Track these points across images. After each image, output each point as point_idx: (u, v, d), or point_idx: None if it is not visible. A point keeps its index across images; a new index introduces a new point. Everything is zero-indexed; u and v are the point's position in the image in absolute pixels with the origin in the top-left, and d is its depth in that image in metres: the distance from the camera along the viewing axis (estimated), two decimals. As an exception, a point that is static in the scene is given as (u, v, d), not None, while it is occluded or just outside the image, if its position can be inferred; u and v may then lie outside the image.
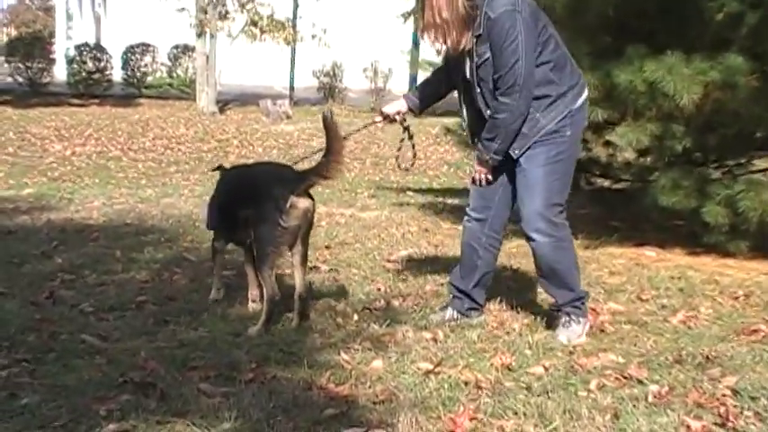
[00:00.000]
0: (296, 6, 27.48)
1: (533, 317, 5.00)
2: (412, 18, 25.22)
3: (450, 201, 10.07)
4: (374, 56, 27.07)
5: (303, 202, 4.74)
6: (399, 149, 5.49)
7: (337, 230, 7.98)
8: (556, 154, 4.58)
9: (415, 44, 26.62)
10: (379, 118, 5.21)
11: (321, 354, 4.30)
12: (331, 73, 27.68)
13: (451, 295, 5.05)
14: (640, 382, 3.99)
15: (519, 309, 5.16)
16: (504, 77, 4.44)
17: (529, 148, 4.57)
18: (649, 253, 7.02)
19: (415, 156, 5.52)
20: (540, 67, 4.48)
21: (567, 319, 4.71)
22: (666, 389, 3.87)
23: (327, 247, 7.11)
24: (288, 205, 4.64)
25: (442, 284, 5.75)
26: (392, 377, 3.97)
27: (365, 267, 6.37)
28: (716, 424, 3.51)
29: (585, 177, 8.34)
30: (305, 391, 3.75)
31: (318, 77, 27.70)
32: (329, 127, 4.68)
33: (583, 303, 4.77)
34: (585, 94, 4.71)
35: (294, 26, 26.04)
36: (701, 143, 7.29)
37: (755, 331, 4.79)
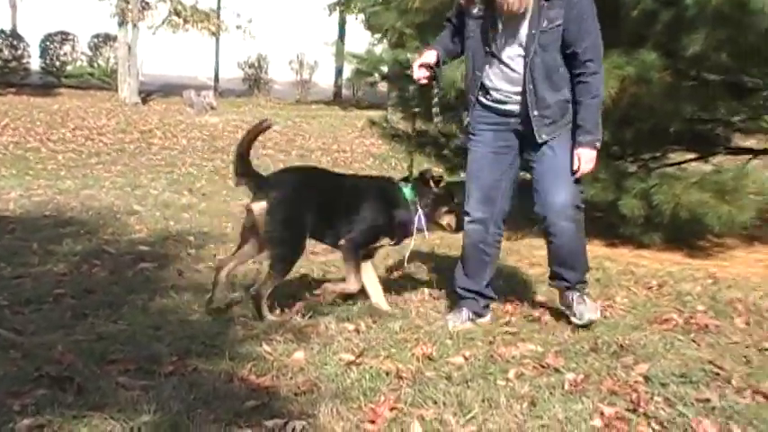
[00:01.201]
0: (220, -4, 27.23)
1: (454, 307, 5.06)
2: (338, 10, 25.27)
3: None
4: (300, 48, 27.02)
5: None
6: (435, 104, 5.08)
7: (261, 223, 7.94)
8: (572, 140, 4.63)
9: (341, 36, 26.64)
10: (420, 72, 4.81)
11: (243, 346, 4.29)
12: (256, 64, 27.57)
13: (463, 298, 4.92)
14: (557, 370, 4.08)
15: (440, 299, 5.22)
16: (594, 46, 4.45)
17: (555, 135, 4.59)
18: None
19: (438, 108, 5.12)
20: None
21: (579, 295, 4.80)
22: (582, 377, 3.96)
23: (251, 240, 7.08)
24: None
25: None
26: (314, 368, 3.99)
27: (289, 259, 6.35)
28: (628, 410, 3.61)
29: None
30: (226, 383, 3.74)
31: (244, 69, 27.53)
32: None
33: (587, 275, 4.99)
34: None
35: (218, 16, 25.76)
36: (618, 137, 7.44)
37: (667, 320, 4.94)
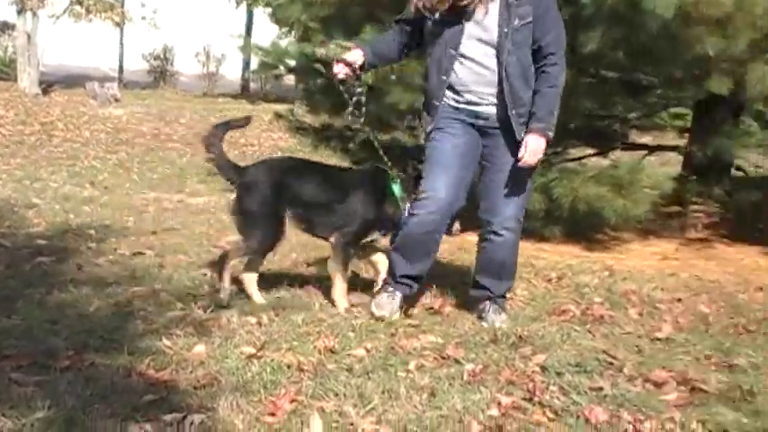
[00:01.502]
0: (125, -14, 26.69)
1: (357, 300, 5.09)
2: (245, 2, 25.06)
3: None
4: (207, 40, 26.70)
5: None
6: (353, 104, 4.85)
7: (165, 216, 7.87)
8: None
9: (249, 29, 26.43)
10: (338, 68, 4.76)
11: (142, 340, 4.23)
12: (162, 56, 27.13)
13: (400, 284, 4.87)
14: (457, 361, 4.14)
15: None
16: (558, 39, 4.49)
17: (514, 138, 4.57)
18: (471, 238, 7.23)
19: (363, 109, 4.89)
20: None
21: (496, 306, 4.85)
22: (481, 367, 4.03)
23: (154, 233, 7.02)
24: None
25: (269, 269, 5.77)
26: (215, 362, 3.96)
27: (192, 253, 6.31)
28: (524, 399, 3.69)
29: (412, 165, 8.50)
30: (124, 378, 3.69)
31: (149, 60, 27.07)
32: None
33: (508, 292, 5.03)
34: None
35: (123, 6, 25.24)
36: (520, 132, 7.56)
37: (565, 311, 5.07)
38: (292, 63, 10.40)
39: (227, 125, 5.13)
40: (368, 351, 4.23)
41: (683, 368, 4.12)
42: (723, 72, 6.34)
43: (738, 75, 6.17)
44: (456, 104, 4.66)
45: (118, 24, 24.63)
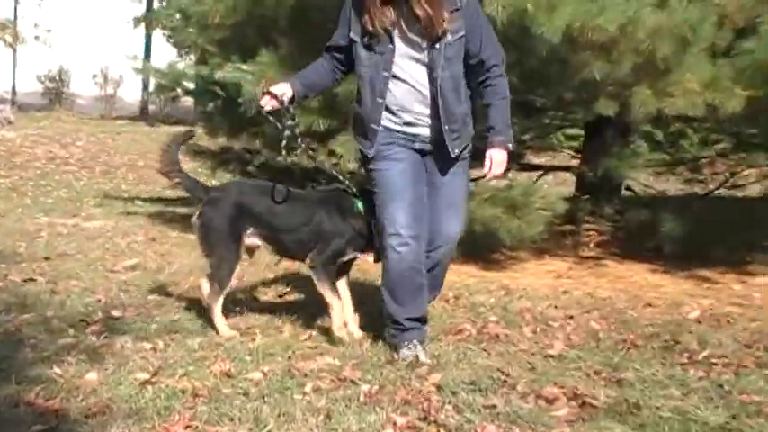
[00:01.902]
0: (16, 6, 26.06)
1: (256, 321, 5.11)
2: (143, 23, 24.76)
3: (179, 210, 9.96)
4: (104, 62, 26.23)
5: None
6: (284, 137, 4.80)
7: (59, 241, 7.70)
8: (468, 172, 4.74)
9: (147, 50, 26.11)
10: (265, 100, 4.70)
11: (32, 368, 4.12)
12: (57, 78, 26.54)
13: (408, 330, 4.65)
14: (354, 382, 4.15)
15: (241, 315, 5.22)
16: (495, 53, 4.50)
17: (458, 159, 4.60)
18: (369, 259, 7.27)
19: (299, 140, 4.91)
20: None
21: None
22: (377, 388, 4.05)
23: (47, 259, 6.86)
24: None
25: (167, 294, 5.72)
26: (107, 389, 3.88)
27: (86, 279, 6.19)
28: (419, 418, 3.71)
29: (313, 187, 8.53)
30: (11, 408, 3.59)
31: (43, 82, 26.45)
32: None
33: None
34: None
35: (15, 26, 24.64)
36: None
37: (461, 330, 5.13)
38: (190, 85, 10.36)
39: (178, 142, 5.07)
40: (264, 374, 4.21)
41: (574, 384, 4.21)
42: (609, 95, 6.56)
43: (624, 97, 6.39)
44: (394, 126, 4.58)
45: (11, 45, 24.02)
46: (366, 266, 5.95)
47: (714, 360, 4.67)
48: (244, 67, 8.54)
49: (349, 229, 4.92)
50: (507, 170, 4.71)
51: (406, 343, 4.60)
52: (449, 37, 4.41)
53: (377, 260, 4.88)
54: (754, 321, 5.63)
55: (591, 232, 8.36)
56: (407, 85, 4.53)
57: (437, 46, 4.41)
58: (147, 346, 4.57)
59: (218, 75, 8.05)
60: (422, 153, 4.67)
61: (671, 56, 6.07)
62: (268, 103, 4.70)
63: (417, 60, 4.50)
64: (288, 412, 3.71)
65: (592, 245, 8.12)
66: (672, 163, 9.94)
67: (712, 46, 6.46)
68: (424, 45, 4.45)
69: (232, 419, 3.63)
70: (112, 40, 26.80)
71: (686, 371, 4.48)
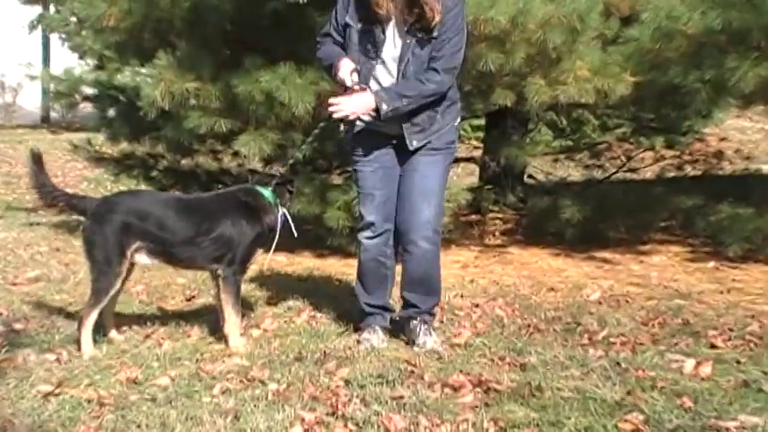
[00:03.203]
0: None
1: (162, 328, 5.09)
2: (40, 28, 24.16)
3: (82, 218, 9.75)
4: (0, 69, 25.48)
5: None
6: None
7: (-44, 256, 7.50)
8: (448, 164, 4.73)
9: (46, 56, 25.50)
10: (354, 76, 4.61)
11: (-71, 388, 4.04)
12: (-50, 87, 25.70)
13: (371, 314, 4.95)
14: (262, 382, 4.17)
15: (148, 322, 5.19)
16: (450, 58, 4.47)
17: (427, 149, 4.63)
18: (280, 258, 7.30)
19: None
20: None
21: (426, 326, 4.83)
22: (285, 386, 4.08)
23: (-56, 274, 6.68)
24: None
25: (71, 303, 5.65)
26: (9, 404, 3.83)
27: (-14, 293, 6.05)
28: (327, 414, 3.75)
29: (217, 188, 8.49)
30: None
31: (-64, 92, 25.60)
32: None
33: (436, 308, 5.00)
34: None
35: None
36: (321, 150, 7.70)
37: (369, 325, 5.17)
38: (90, 91, 10.18)
39: (37, 167, 4.83)
40: (172, 379, 4.21)
41: (479, 371, 4.30)
42: (506, 85, 6.69)
43: (520, 87, 6.53)
44: (368, 118, 4.65)
45: None
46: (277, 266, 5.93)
47: (612, 339, 4.84)
48: (143, 70, 8.47)
49: (261, 228, 4.88)
50: (356, 118, 4.63)
51: (368, 327, 4.93)
52: (420, 35, 4.49)
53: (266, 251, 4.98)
54: (650, 300, 5.83)
55: (496, 221, 8.51)
56: (387, 75, 4.63)
57: (407, 41, 4.51)
58: (51, 357, 4.52)
59: (117, 79, 7.95)
60: (394, 147, 4.76)
61: (562, 45, 6.22)
62: (355, 84, 4.61)
63: (391, 55, 4.59)
64: (195, 416, 3.72)
65: (497, 233, 8.26)
66: (573, 149, 10.18)
67: (601, 35, 6.65)
68: (407, 39, 4.52)
69: (139, 426, 3.62)
70: (9, 47, 26.09)
71: (586, 351, 4.62)
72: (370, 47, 4.63)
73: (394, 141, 4.77)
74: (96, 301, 4.66)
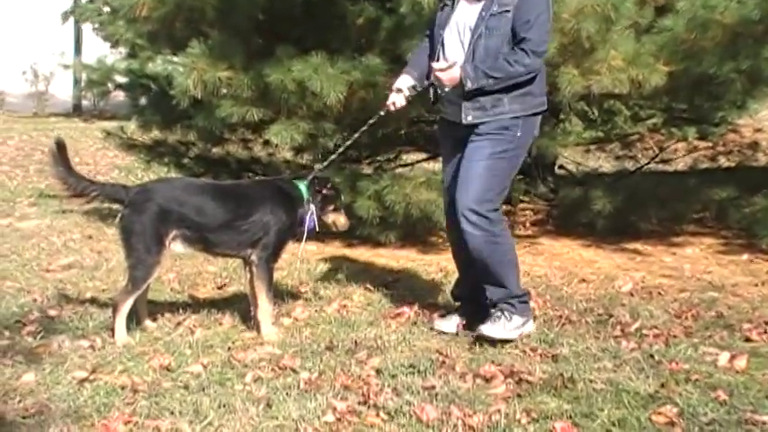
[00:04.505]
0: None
1: (194, 316, 5.11)
2: (72, 18, 24.32)
3: (116, 206, 9.81)
4: (34, 58, 25.69)
5: None
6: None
7: (-9, 242, 7.58)
8: (501, 151, 4.61)
9: (78, 46, 25.68)
10: (395, 97, 4.84)
11: (-35, 374, 4.09)
12: (-15, 76, 25.95)
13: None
14: (294, 370, 4.20)
15: (180, 310, 5.22)
16: (539, 40, 4.51)
17: (476, 133, 4.61)
18: (310, 247, 7.30)
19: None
20: None
21: (499, 314, 4.70)
22: (317, 375, 4.10)
23: (-20, 261, 6.75)
24: None
25: (104, 290, 5.70)
26: (45, 389, 3.88)
27: (21, 279, 6.11)
28: (359, 403, 3.78)
29: (248, 177, 8.53)
30: (-53, 415, 3.57)
31: (-30, 81, 25.87)
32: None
33: (520, 302, 4.78)
34: (544, 108, 4.77)
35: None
36: (355, 141, 7.67)
37: (400, 314, 5.19)
38: (122, 80, 10.23)
39: (61, 159, 4.89)
40: (204, 366, 4.24)
41: (511, 362, 4.31)
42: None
43: (552, 77, 6.48)
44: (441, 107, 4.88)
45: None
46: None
47: (645, 331, 4.81)
48: (175, 59, 8.50)
49: (293, 219, 4.93)
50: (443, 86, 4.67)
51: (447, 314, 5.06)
52: (495, 8, 4.52)
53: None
54: (683, 292, 5.78)
55: (526, 212, 8.47)
56: (452, 47, 4.70)
57: (482, 13, 4.55)
58: (85, 344, 4.56)
59: (149, 68, 7.98)
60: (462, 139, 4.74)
61: (595, 34, 6.16)
62: (395, 102, 4.84)
63: (465, 25, 4.63)
64: (228, 403, 3.75)
65: (528, 224, 8.21)
66: (604, 140, 10.09)
67: (635, 24, 6.58)
68: (476, 12, 4.58)
69: (172, 413, 3.65)
70: (42, 36, 26.30)
71: (619, 343, 4.60)
72: (442, 22, 4.74)
73: (449, 126, 4.82)
74: (133, 289, 4.69)
